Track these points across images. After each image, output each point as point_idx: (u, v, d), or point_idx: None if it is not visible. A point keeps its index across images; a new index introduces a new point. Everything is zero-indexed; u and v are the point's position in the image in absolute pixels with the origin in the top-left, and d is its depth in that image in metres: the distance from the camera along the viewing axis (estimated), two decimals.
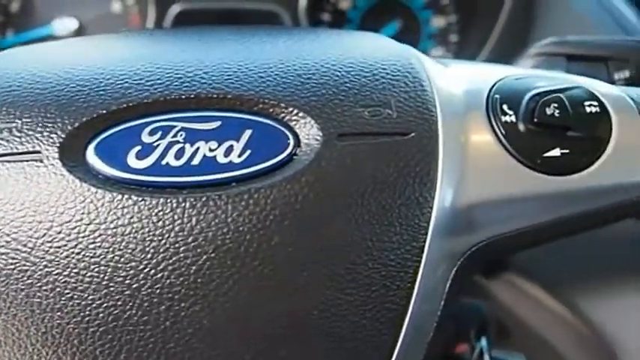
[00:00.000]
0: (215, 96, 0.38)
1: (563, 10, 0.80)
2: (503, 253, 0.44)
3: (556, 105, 0.42)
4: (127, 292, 0.36)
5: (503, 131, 0.41)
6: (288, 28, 0.46)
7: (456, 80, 0.43)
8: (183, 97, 0.38)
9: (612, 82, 0.55)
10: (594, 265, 0.75)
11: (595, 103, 0.43)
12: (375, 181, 0.38)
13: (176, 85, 0.39)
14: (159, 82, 0.39)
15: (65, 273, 0.36)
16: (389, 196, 0.39)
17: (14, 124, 0.37)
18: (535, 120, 0.41)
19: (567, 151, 0.41)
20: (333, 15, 0.93)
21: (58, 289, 0.36)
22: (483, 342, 0.62)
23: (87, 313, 0.36)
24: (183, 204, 0.36)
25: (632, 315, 0.71)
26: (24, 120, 0.37)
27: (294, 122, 0.39)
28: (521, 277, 0.79)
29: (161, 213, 0.36)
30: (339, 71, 0.41)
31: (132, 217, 0.36)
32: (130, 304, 0.36)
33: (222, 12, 0.85)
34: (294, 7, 0.86)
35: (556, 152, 0.41)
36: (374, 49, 0.44)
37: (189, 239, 0.36)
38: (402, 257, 0.39)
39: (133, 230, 0.36)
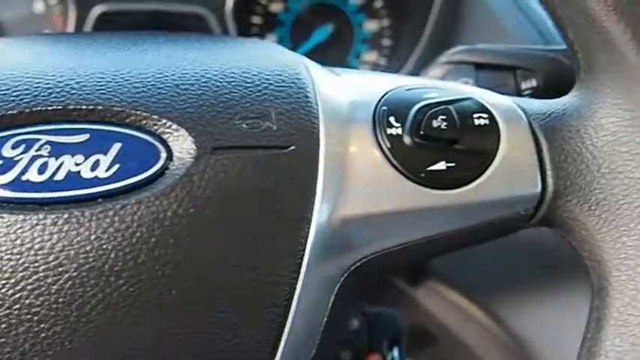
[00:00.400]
0: (84, 107, 0.37)
1: (486, 17, 0.79)
2: (393, 267, 0.44)
3: (444, 117, 0.41)
4: None
5: (388, 144, 0.40)
6: (177, 35, 0.45)
7: (345, 91, 0.42)
8: (50, 108, 0.37)
9: (520, 91, 0.55)
10: (515, 274, 0.75)
11: (484, 115, 0.42)
12: (250, 196, 0.37)
13: (44, 96, 0.37)
14: (26, 92, 0.37)
15: None
16: (264, 211, 0.38)
17: None
18: (421, 133, 0.41)
19: (453, 164, 0.41)
20: (265, 18, 0.91)
21: None
22: (395, 352, 0.61)
23: None
24: (44, 221, 0.35)
25: (549, 322, 0.71)
26: None
27: (167, 135, 0.37)
28: (444, 285, 0.79)
29: (20, 230, 0.35)
30: (220, 82, 0.40)
31: None
32: None
33: (146, 14, 0.83)
34: (221, 10, 0.84)
35: (441, 166, 0.41)
36: (262, 59, 0.42)
37: (50, 258, 0.35)
38: (278, 274, 0.38)
39: None
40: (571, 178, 0.42)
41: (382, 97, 0.42)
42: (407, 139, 0.41)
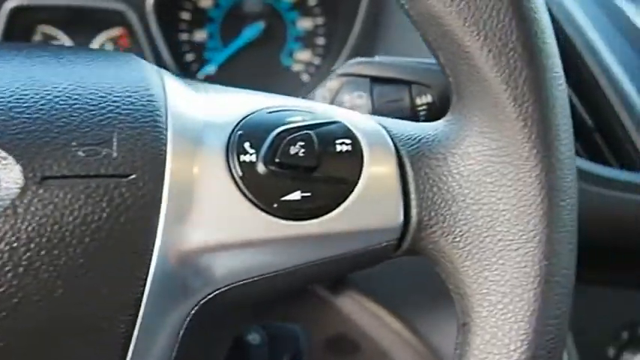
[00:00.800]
0: None
1: (405, 26, 0.77)
2: (249, 300, 0.42)
3: (303, 143, 0.39)
4: None
5: (239, 173, 0.38)
6: (39, 48, 0.42)
7: (202, 112, 0.40)
8: None
9: (415, 106, 0.53)
10: (433, 289, 0.74)
11: (348, 141, 0.40)
12: (82, 230, 0.35)
13: None
14: None
15: None
16: (99, 245, 0.36)
17: None
18: (276, 160, 0.39)
19: (309, 194, 0.39)
20: (193, 14, 0.89)
21: None
22: None
23: None
24: None
25: None
26: None
27: None
28: (364, 295, 0.77)
29: None
30: (61, 104, 0.37)
31: None
32: None
33: (65, 10, 0.81)
34: (142, 6, 0.81)
35: (296, 196, 0.39)
36: (116, 77, 0.40)
37: None
38: (115, 310, 0.36)
39: None
40: (435, 208, 0.40)
41: (241, 120, 0.40)
42: (260, 167, 0.39)
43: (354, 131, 0.41)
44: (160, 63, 0.84)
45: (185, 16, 0.88)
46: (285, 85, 0.90)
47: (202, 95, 0.42)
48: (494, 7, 0.37)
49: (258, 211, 0.38)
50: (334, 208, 0.39)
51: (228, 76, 0.90)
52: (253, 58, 0.90)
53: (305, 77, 0.91)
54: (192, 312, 0.38)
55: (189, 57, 0.89)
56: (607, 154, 0.66)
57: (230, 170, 0.38)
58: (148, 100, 0.39)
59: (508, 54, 0.38)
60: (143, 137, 0.37)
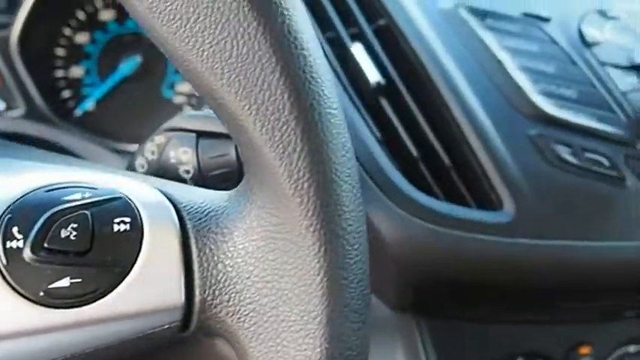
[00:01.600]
0: None
1: None
2: None
3: (75, 225, 0.37)
4: None
5: (4, 260, 0.36)
6: None
7: None
8: None
9: (241, 162, 0.52)
10: None
11: (127, 220, 0.38)
12: None
13: None
14: None
15: None
16: None
17: None
18: (45, 246, 0.37)
19: (79, 280, 0.37)
20: (69, 50, 0.86)
21: None
22: None
23: None
24: None
25: None
26: None
27: None
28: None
29: None
30: None
31: None
32: None
33: None
34: (5, 45, 0.79)
35: (65, 282, 0.37)
36: None
37: None
38: None
39: None
40: (220, 287, 0.38)
41: (13, 202, 0.38)
42: (27, 254, 0.37)
43: (137, 207, 0.39)
44: (29, 102, 0.81)
45: (60, 52, 0.86)
46: (167, 117, 0.88)
47: None
48: (265, 80, 0.36)
49: (23, 301, 0.36)
50: (107, 293, 0.37)
51: (108, 112, 0.88)
52: (133, 91, 0.88)
53: (187, 109, 0.89)
54: None
55: (66, 94, 0.87)
56: (464, 192, 0.65)
57: None
58: None
59: (282, 129, 0.36)
60: None
